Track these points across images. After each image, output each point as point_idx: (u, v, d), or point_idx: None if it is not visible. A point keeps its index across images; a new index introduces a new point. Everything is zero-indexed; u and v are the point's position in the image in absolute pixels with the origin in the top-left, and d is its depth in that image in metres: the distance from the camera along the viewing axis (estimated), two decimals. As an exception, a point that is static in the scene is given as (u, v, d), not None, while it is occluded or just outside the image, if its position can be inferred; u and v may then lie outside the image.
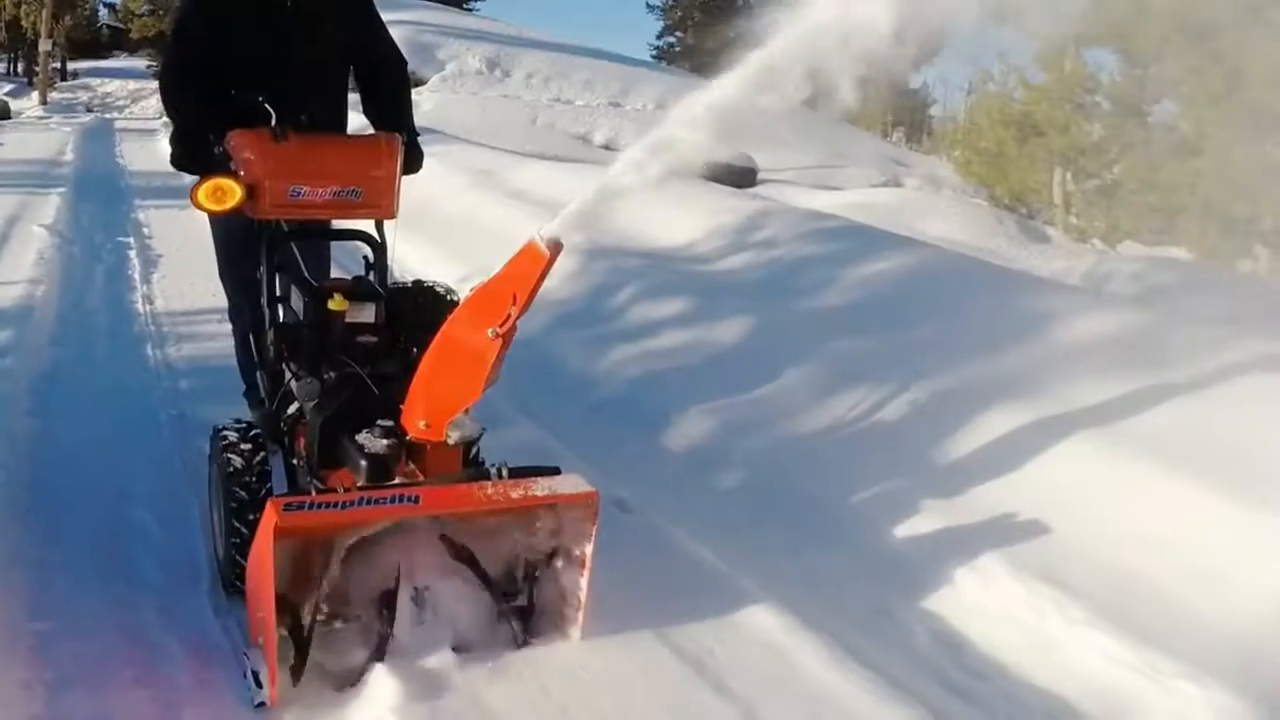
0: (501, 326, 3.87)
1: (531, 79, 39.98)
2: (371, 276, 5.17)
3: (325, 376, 4.65)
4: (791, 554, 5.24)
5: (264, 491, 4.52)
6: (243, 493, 4.54)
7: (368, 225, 5.28)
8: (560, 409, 7.20)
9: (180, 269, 11.00)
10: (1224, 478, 5.13)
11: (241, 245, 5.45)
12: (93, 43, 60.43)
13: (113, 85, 45.22)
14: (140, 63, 50.40)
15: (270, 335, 5.09)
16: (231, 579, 4.53)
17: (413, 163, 5.42)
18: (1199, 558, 4.79)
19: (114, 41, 62.52)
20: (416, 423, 4.24)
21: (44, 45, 39.45)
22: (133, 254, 11.73)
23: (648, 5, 63.16)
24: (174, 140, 5.41)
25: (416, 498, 3.95)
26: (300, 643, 3.90)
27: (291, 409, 4.91)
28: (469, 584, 4.22)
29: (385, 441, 4.30)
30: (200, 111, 5.31)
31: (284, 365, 5.00)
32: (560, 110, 37.32)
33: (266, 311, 5.14)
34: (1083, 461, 5.53)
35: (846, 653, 4.30)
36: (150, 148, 23.01)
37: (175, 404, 6.92)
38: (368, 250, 5.30)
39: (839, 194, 26.53)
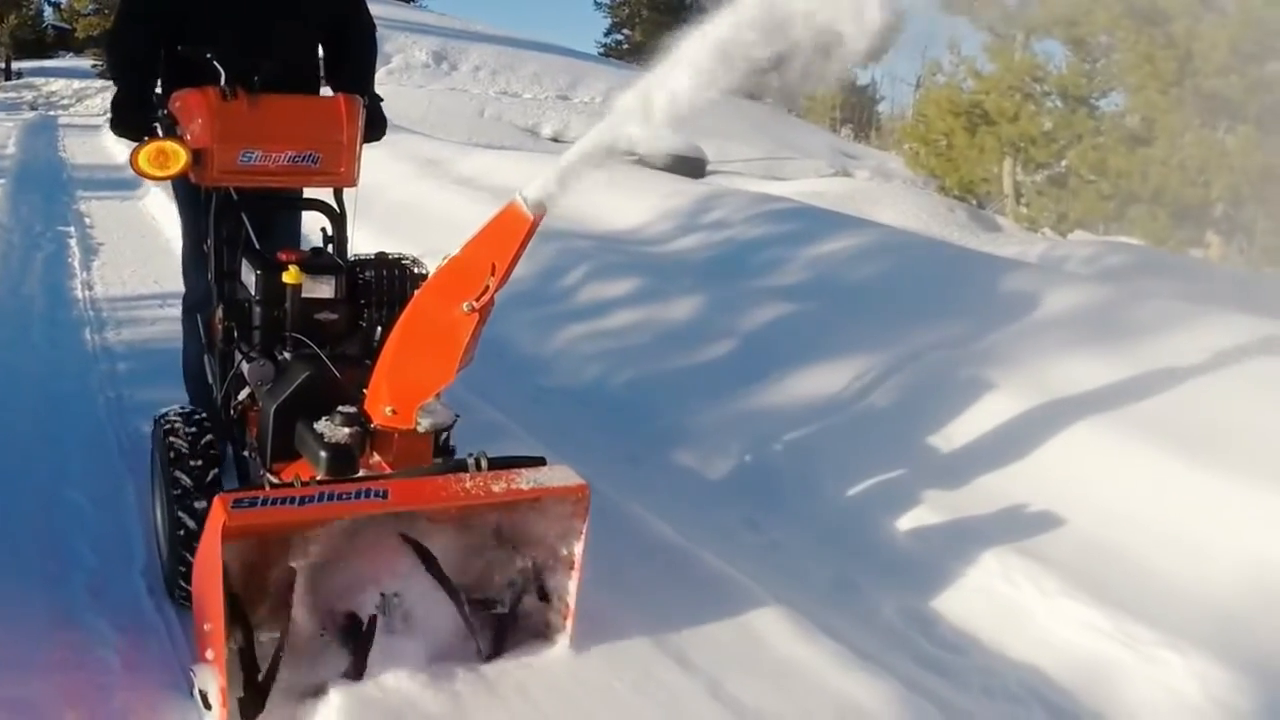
0: (478, 300, 3.54)
1: (479, 72, 39.87)
2: (330, 250, 4.75)
3: (280, 358, 4.32)
4: (752, 528, 5.19)
5: (211, 477, 4.20)
6: (187, 478, 4.18)
7: (325, 194, 4.89)
8: (511, 389, 7.06)
9: (120, 257, 10.92)
10: (1200, 449, 5.05)
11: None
12: (38, 43, 59.87)
13: (58, 84, 44.76)
14: (86, 62, 49.95)
15: (219, 313, 4.67)
16: (176, 581, 4.16)
17: (374, 129, 5.04)
18: (1175, 528, 4.71)
19: (59, 42, 61.97)
20: (382, 409, 3.87)
21: None
22: (73, 242, 11.57)
23: (595, 3, 62.98)
24: (114, 104, 5.00)
25: (384, 492, 3.54)
26: (251, 661, 3.50)
27: (242, 395, 4.52)
28: (444, 589, 3.81)
29: (347, 430, 3.91)
30: (144, 69, 4.98)
31: (234, 347, 4.58)
32: (508, 103, 37.23)
33: (214, 288, 4.73)
34: (1054, 432, 5.44)
35: (815, 626, 4.16)
36: (94, 143, 22.77)
37: (113, 386, 6.77)
38: (325, 222, 4.87)
39: (789, 184, 26.45)
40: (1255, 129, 21.08)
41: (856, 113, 61.35)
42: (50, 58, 56.63)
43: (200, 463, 4.24)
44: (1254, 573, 4.39)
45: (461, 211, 11.23)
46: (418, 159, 15.80)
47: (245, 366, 4.37)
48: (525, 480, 3.75)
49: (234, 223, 4.72)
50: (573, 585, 3.91)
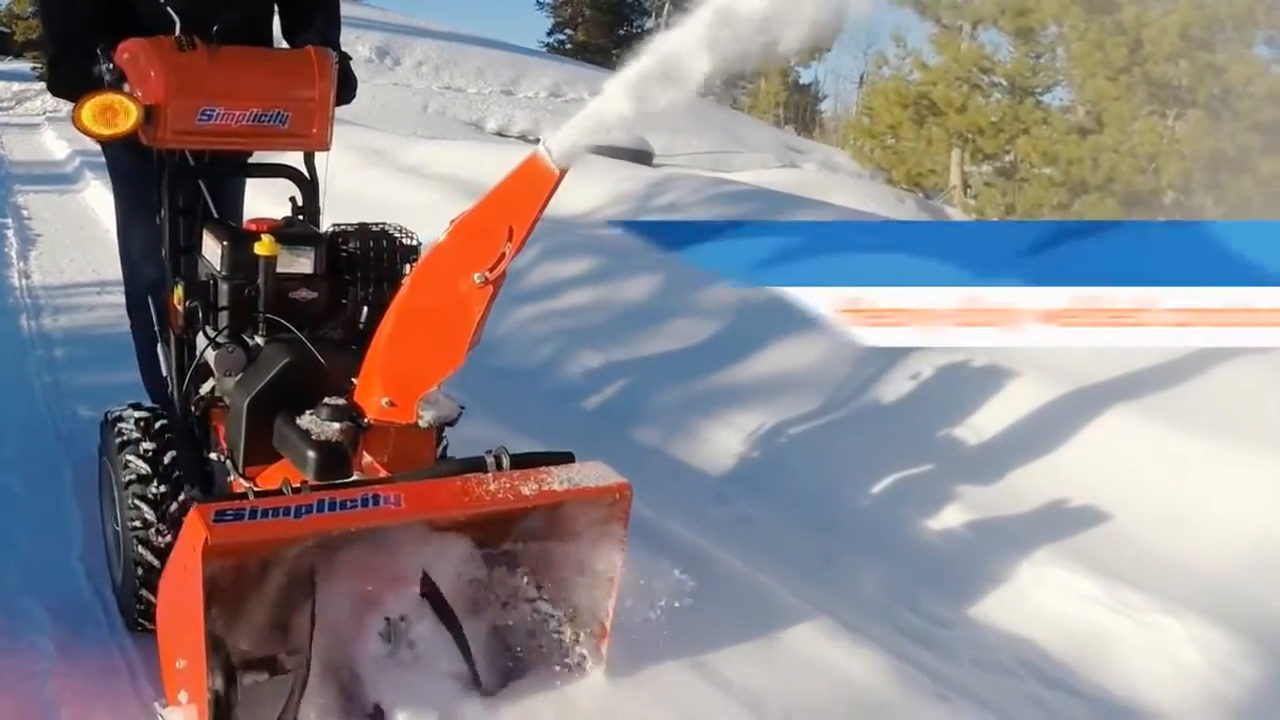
0: (492, 270, 3.05)
1: (422, 67, 39.66)
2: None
3: (251, 343, 3.78)
4: (720, 502, 5.06)
5: (179, 505, 3.69)
6: (149, 509, 3.68)
7: (295, 160, 4.33)
8: (463, 370, 6.82)
9: (58, 247, 10.72)
10: (1193, 418, 4.95)
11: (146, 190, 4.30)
12: (-25, 47, 59.41)
13: (-5, 86, 44.32)
14: (25, 65, 49.52)
15: (177, 294, 4.01)
16: (136, 615, 3.70)
17: (346, 90, 4.35)
18: (1168, 498, 4.59)
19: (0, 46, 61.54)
20: (377, 400, 3.37)
21: None
22: (9, 233, 11.30)
23: (538, 2, 62.85)
24: (51, 60, 4.46)
25: (398, 498, 3.06)
26: (227, 708, 3.06)
27: (206, 388, 3.98)
28: (452, 613, 3.36)
29: (338, 425, 3.40)
30: (85, 18, 4.32)
31: (195, 332, 4.00)
32: (452, 97, 37.08)
33: (169, 266, 4.12)
34: (1042, 402, 5.30)
35: (797, 600, 4.01)
36: (32, 140, 22.46)
37: (50, 371, 6.53)
38: (293, 191, 4.32)
39: (738, 175, 26.36)
40: (1205, 114, 21.12)
41: (800, 111, 61.45)
42: (-11, 63, 56.21)
43: (166, 489, 3.74)
44: (1248, 542, 4.29)
45: (408, 198, 11.17)
46: (362, 149, 15.55)
47: (210, 354, 3.82)
48: (558, 480, 3.26)
49: (191, 191, 4.21)
50: (609, 602, 3.43)
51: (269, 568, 3.08)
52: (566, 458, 3.38)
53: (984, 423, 5.32)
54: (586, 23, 58.76)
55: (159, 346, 4.45)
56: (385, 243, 3.98)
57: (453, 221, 3.14)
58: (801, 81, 57.36)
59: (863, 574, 4.44)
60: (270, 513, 2.91)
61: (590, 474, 3.30)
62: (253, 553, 3.03)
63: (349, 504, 2.99)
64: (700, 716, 3.43)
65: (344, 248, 3.95)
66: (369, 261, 3.93)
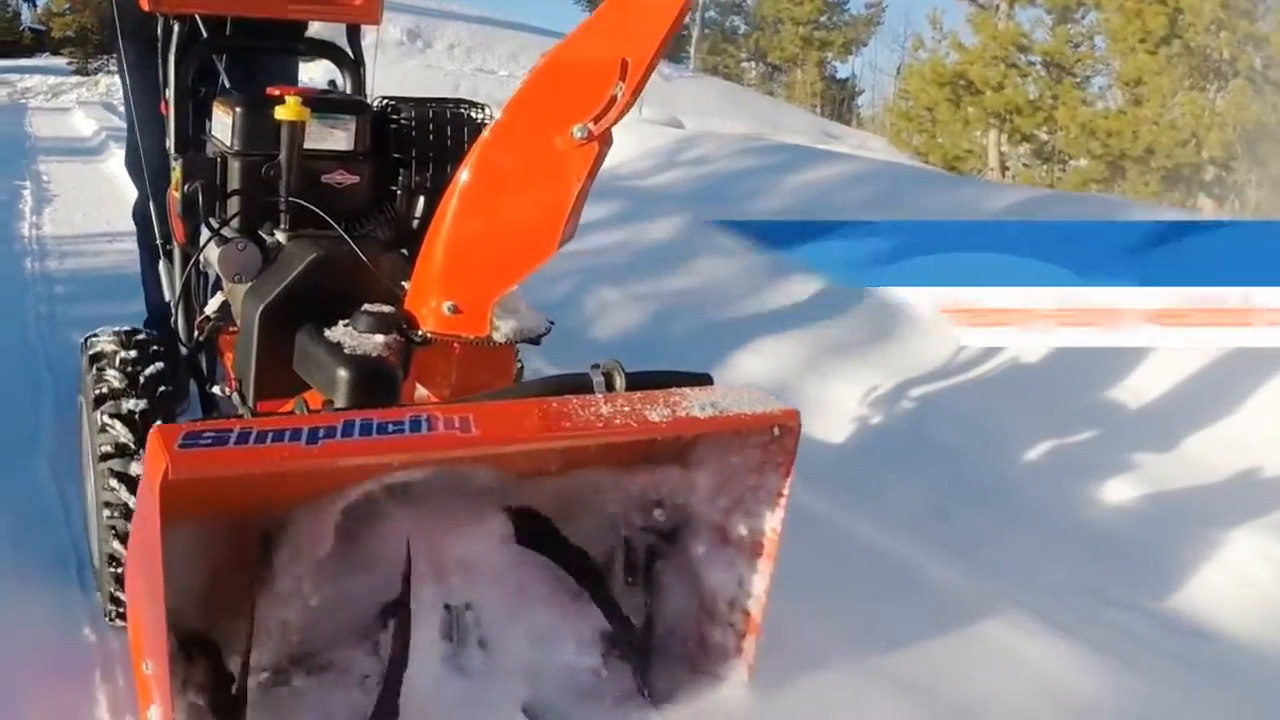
0: (597, 120, 2.36)
1: (454, 49, 39.28)
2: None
3: (268, 238, 3.04)
4: (859, 482, 4.49)
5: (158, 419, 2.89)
6: (122, 431, 2.92)
7: (337, 35, 3.62)
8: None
9: (74, 205, 10.54)
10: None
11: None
12: (16, 45, 59.82)
13: (33, 80, 44.24)
14: (61, 60, 49.79)
15: (174, 178, 3.16)
16: (111, 595, 2.86)
17: None
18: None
19: (37, 44, 61.89)
20: (436, 307, 2.63)
21: None
22: (27, 193, 11.16)
23: (572, -12, 62.76)
24: None
25: (466, 421, 2.19)
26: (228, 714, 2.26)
27: (213, 306, 3.25)
28: (551, 593, 2.57)
29: (381, 338, 2.64)
30: None
31: (198, 228, 3.18)
32: (483, 79, 36.89)
33: (171, 151, 3.31)
34: (1195, 367, 4.83)
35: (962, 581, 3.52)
36: (61, 120, 22.31)
37: (47, 304, 6.43)
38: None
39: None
40: (1246, 85, 20.81)
41: (837, 105, 61.23)
42: (29, 58, 56.67)
43: (145, 406, 2.98)
44: None
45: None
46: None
47: (214, 253, 3.03)
48: (698, 404, 2.41)
49: (203, 72, 3.42)
50: (760, 582, 2.63)
51: (279, 531, 2.26)
52: (701, 379, 2.59)
53: (1142, 387, 4.85)
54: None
55: (161, 263, 3.77)
56: (449, 116, 3.17)
57: (543, 55, 2.46)
58: (838, 76, 57.03)
59: (1024, 549, 3.85)
60: (269, 436, 2.06)
61: (742, 399, 2.49)
62: (248, 499, 2.21)
63: (393, 427, 2.16)
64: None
65: (394, 120, 3.16)
66: (427, 139, 3.13)
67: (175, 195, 3.14)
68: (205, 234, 3.10)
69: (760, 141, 10.65)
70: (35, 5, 63.23)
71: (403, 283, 2.78)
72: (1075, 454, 4.48)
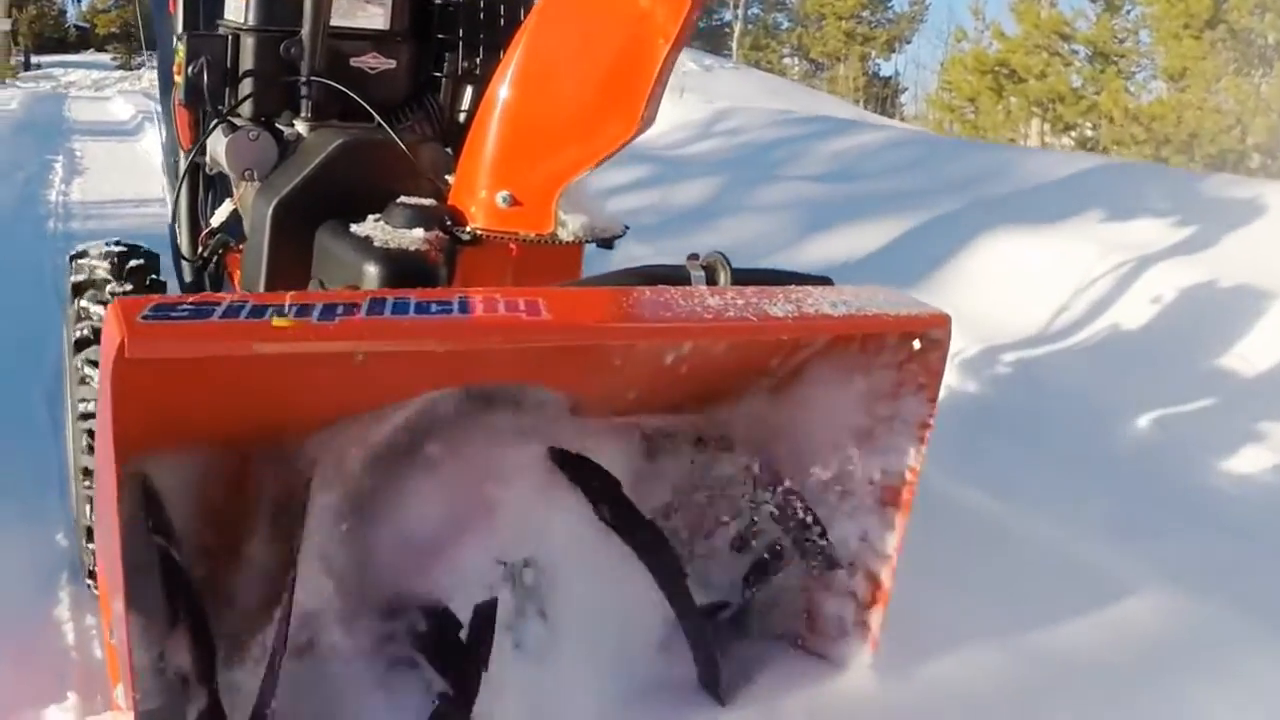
0: None
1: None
2: None
3: (285, 130, 2.71)
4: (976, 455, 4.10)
5: None
6: (101, 311, 2.67)
7: None
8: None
9: (104, 177, 10.59)
10: None
11: None
12: (61, 42, 60.35)
13: (76, 75, 44.58)
14: (106, 57, 50.16)
15: (178, 60, 2.77)
16: (89, 531, 2.44)
17: None
18: None
19: (81, 41, 62.46)
20: (488, 198, 2.27)
21: (2, 25, 39.61)
22: (57, 165, 11.29)
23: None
24: None
25: (537, 305, 1.77)
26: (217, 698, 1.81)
27: (221, 215, 2.94)
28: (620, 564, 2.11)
29: (420, 232, 2.30)
30: None
31: (204, 116, 2.87)
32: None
33: (183, 35, 2.85)
34: None
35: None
36: (100, 106, 22.41)
37: (64, 255, 6.31)
38: None
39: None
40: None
41: (880, 104, 61.07)
42: (73, 54, 57.19)
43: (130, 288, 2.82)
44: None
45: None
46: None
47: (219, 142, 2.67)
48: (828, 302, 2.01)
49: None
50: (891, 538, 2.23)
51: (284, 462, 1.87)
52: (821, 280, 2.21)
53: (1254, 349, 4.52)
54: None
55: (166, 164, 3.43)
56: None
57: None
58: (881, 74, 56.84)
59: (1156, 519, 3.45)
60: (268, 310, 1.64)
61: (879, 298, 2.09)
62: (240, 404, 1.75)
63: (436, 307, 1.75)
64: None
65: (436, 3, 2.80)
66: (476, 19, 2.79)
67: (179, 81, 2.77)
68: (209, 122, 2.80)
69: (795, 114, 10.56)
70: (80, 3, 63.85)
71: (446, 176, 2.47)
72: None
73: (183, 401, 1.66)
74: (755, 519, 2.27)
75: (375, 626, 1.97)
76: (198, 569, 1.81)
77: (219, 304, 1.61)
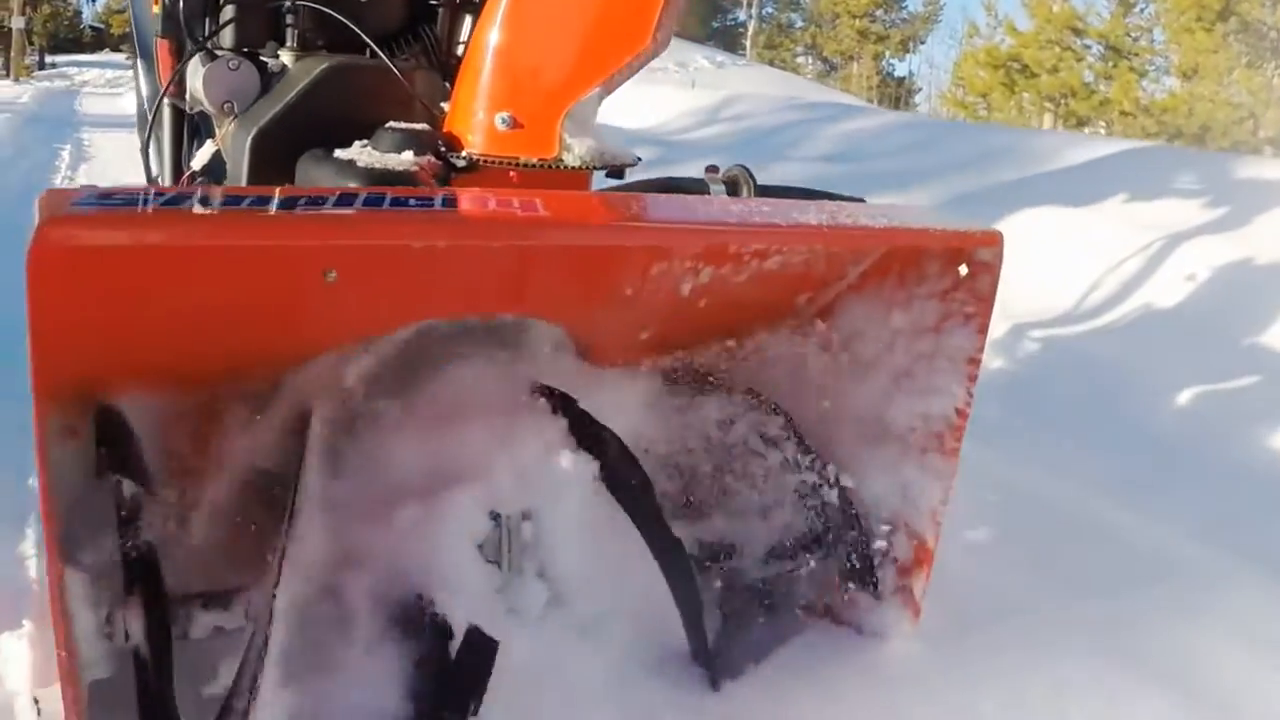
0: None
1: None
2: None
3: (269, 61, 2.50)
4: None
5: None
6: None
7: None
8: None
9: (110, 164, 10.66)
10: None
11: None
12: (76, 42, 60.43)
13: (90, 74, 44.58)
14: (121, 56, 50.22)
15: None
16: None
17: None
18: None
19: (97, 42, 62.53)
20: (487, 119, 2.07)
21: (17, 24, 39.55)
22: (65, 153, 11.39)
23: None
24: None
25: (534, 203, 1.55)
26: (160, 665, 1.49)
27: (201, 157, 2.69)
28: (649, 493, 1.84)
29: (409, 154, 2.08)
30: None
31: (182, 45, 2.63)
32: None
33: None
34: None
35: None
36: (110, 101, 22.53)
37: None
38: None
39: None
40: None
41: (894, 103, 60.99)
42: (89, 54, 57.30)
43: None
44: None
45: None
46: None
47: (198, 75, 2.45)
48: (866, 214, 1.82)
49: None
50: (936, 490, 2.00)
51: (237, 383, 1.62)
52: (853, 199, 2.03)
53: None
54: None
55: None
56: None
57: None
58: (895, 74, 56.74)
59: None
60: (227, 201, 1.38)
61: (922, 214, 1.96)
62: (184, 314, 1.46)
63: (415, 202, 1.52)
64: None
65: None
66: None
67: (156, 11, 2.64)
68: (188, 53, 2.57)
69: (802, 99, 10.58)
70: (95, 3, 63.95)
71: (442, 104, 2.29)
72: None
73: (121, 317, 1.41)
74: (781, 482, 2.04)
75: (361, 601, 1.68)
76: (150, 519, 1.53)
77: (160, 193, 1.37)
